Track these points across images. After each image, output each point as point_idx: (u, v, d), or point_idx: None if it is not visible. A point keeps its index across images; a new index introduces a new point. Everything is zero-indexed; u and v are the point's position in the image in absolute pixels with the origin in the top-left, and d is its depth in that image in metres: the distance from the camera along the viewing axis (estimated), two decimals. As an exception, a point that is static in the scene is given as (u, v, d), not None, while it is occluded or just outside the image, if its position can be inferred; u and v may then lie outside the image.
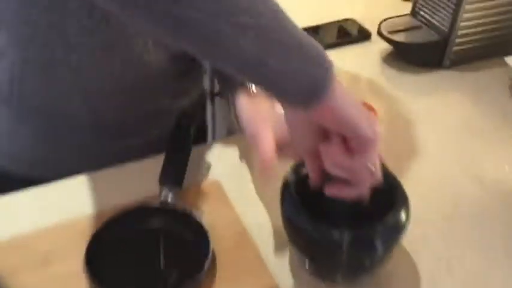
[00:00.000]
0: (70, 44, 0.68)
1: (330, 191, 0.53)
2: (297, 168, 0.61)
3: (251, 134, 0.64)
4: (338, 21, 1.16)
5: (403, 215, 0.56)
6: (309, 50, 0.47)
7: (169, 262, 0.63)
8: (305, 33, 0.47)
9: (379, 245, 0.54)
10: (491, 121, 0.91)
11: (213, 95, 1.13)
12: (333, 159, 0.51)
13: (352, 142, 0.49)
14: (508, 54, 0.97)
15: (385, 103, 0.95)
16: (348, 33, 1.13)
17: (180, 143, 0.72)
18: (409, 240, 0.67)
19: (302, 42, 0.46)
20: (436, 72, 1.03)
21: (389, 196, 0.58)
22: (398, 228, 0.55)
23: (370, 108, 0.74)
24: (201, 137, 1.00)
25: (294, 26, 0.47)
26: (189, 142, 0.73)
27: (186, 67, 0.83)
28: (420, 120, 0.91)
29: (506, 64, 0.96)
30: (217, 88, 1.09)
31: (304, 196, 0.58)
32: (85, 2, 0.64)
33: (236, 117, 0.71)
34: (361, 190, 0.52)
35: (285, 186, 0.60)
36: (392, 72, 1.04)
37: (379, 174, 0.53)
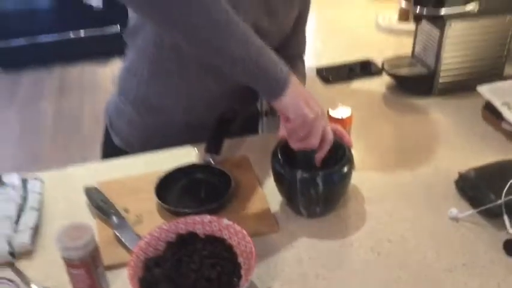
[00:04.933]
0: None
1: (294, 146, 0.91)
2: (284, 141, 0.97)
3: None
4: (360, 61, 1.52)
5: (343, 168, 0.92)
6: (271, 68, 0.85)
7: (207, 196, 1.01)
8: (272, 54, 0.86)
9: (320, 182, 0.89)
10: (463, 139, 1.20)
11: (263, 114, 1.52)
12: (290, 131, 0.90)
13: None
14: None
15: (388, 121, 1.29)
16: (366, 69, 1.48)
17: (221, 130, 1.11)
18: (369, 201, 1.01)
19: (268, 63, 0.85)
20: (426, 99, 1.35)
21: (340, 158, 0.93)
22: (336, 174, 0.91)
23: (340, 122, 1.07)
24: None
25: (263, 48, 0.86)
26: (226, 129, 1.12)
27: None
28: (411, 134, 1.23)
29: (479, 93, 1.26)
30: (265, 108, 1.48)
31: (287, 157, 0.95)
32: None
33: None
34: (310, 147, 0.90)
35: (276, 146, 0.97)
36: (393, 98, 1.37)
37: (328, 139, 0.89)
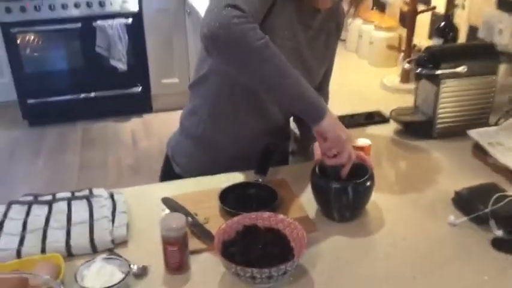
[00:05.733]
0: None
1: (328, 162, 1.20)
2: (322, 161, 1.26)
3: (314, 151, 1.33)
4: (371, 112, 1.84)
5: (366, 183, 1.20)
6: (314, 100, 1.16)
7: (257, 207, 1.28)
8: (314, 90, 1.18)
9: (350, 191, 1.18)
10: (457, 170, 1.50)
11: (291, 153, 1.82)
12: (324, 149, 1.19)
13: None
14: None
15: (396, 158, 1.58)
16: (376, 118, 1.80)
17: (267, 157, 1.40)
18: (385, 211, 1.28)
19: (312, 97, 1.17)
20: (427, 141, 1.65)
21: (364, 175, 1.21)
22: (362, 186, 1.20)
23: (362, 149, 1.37)
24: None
25: (309, 87, 1.17)
26: (270, 156, 1.41)
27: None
28: (416, 167, 1.53)
29: (469, 136, 1.57)
30: (291, 148, 1.78)
31: (323, 173, 1.23)
32: None
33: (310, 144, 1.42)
34: (342, 162, 1.18)
35: (314, 165, 1.26)
36: (400, 141, 1.68)
37: (352, 156, 1.18)
